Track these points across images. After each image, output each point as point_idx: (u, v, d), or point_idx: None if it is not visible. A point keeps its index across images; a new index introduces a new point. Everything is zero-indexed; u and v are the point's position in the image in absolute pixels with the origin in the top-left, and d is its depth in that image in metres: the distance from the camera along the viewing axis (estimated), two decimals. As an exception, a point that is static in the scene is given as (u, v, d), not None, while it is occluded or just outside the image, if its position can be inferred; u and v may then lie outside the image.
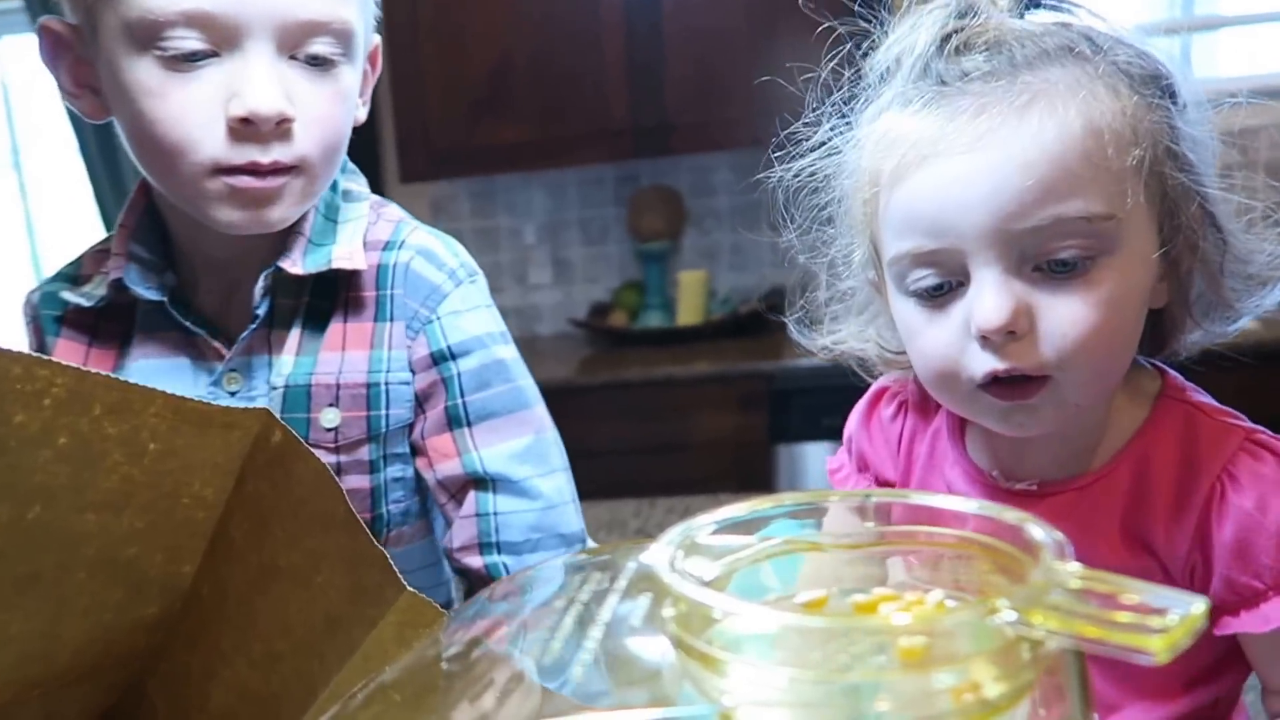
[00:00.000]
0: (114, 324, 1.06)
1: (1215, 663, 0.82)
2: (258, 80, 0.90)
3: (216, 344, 1.03)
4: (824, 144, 0.85)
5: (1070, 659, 0.40)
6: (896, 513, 0.49)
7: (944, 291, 0.76)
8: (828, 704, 0.36)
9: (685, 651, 0.38)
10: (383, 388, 1.04)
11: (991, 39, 0.76)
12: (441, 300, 1.06)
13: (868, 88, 0.82)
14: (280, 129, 0.92)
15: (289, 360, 1.04)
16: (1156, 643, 0.33)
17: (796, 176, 0.87)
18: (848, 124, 0.84)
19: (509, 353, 1.09)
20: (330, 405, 1.03)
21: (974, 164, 0.72)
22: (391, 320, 1.05)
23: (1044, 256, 0.72)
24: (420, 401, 1.06)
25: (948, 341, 0.76)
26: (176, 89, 0.90)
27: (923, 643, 0.37)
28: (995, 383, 0.75)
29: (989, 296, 0.73)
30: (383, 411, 1.04)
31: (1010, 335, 0.73)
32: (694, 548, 0.45)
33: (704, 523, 0.46)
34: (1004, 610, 0.35)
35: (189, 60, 0.90)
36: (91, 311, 1.06)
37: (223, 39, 0.90)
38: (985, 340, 0.74)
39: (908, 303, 0.79)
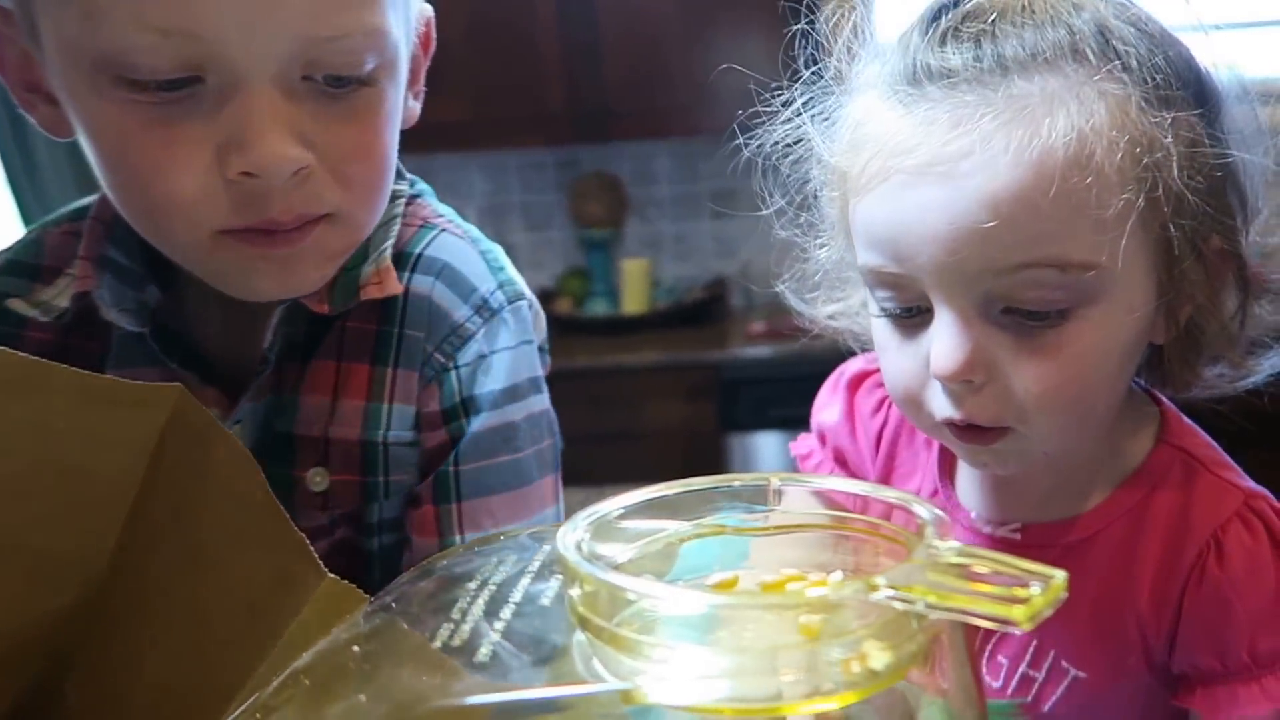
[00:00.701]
0: (88, 341, 0.83)
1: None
2: (261, 122, 0.68)
3: (211, 390, 0.82)
4: (798, 123, 0.76)
5: (956, 631, 0.42)
6: (799, 497, 0.51)
7: (913, 314, 0.69)
8: (730, 678, 0.38)
9: (592, 631, 0.40)
10: (380, 448, 0.83)
11: (985, 27, 0.66)
12: (463, 345, 0.84)
13: (861, 46, 0.74)
14: (299, 178, 0.70)
15: (279, 396, 0.83)
16: (1019, 612, 0.35)
17: (775, 147, 0.78)
18: (827, 92, 0.75)
19: (531, 409, 0.88)
20: (318, 465, 0.83)
21: (935, 192, 0.64)
22: (396, 366, 0.83)
23: (1012, 303, 0.64)
24: (424, 466, 0.85)
25: (912, 372, 0.70)
26: (155, 135, 0.68)
27: (819, 620, 0.39)
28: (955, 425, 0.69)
29: (946, 340, 0.65)
30: (380, 478, 0.84)
31: (967, 384, 0.66)
32: (607, 531, 0.47)
33: (614, 506, 0.47)
34: (883, 587, 0.38)
35: (168, 90, 0.67)
36: (51, 327, 0.83)
37: (208, 60, 0.66)
38: (942, 384, 0.67)
39: (875, 314, 0.72)
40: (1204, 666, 0.69)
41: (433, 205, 0.91)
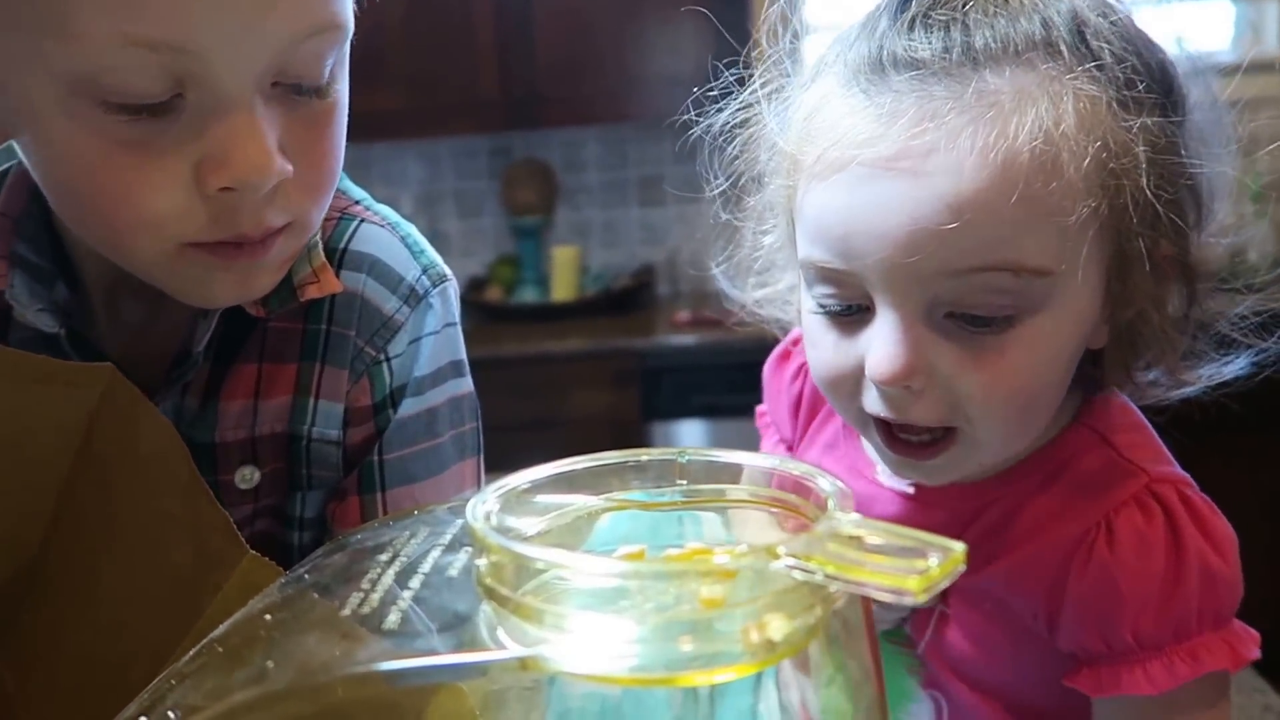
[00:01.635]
0: None
1: (1061, 690, 0.73)
2: (243, 138, 0.65)
3: None
4: (748, 103, 0.74)
5: (855, 603, 0.43)
6: (706, 471, 0.51)
7: (851, 313, 0.67)
8: (630, 647, 0.39)
9: (498, 601, 0.41)
10: (303, 444, 0.82)
11: (956, 15, 0.63)
12: (393, 337, 0.83)
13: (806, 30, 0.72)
14: (273, 191, 0.68)
15: (193, 404, 0.80)
16: (915, 583, 0.36)
17: (723, 128, 0.76)
18: (781, 75, 0.73)
19: (453, 392, 0.88)
20: (245, 463, 0.81)
21: (895, 188, 0.61)
22: (324, 363, 0.82)
23: (958, 307, 0.62)
24: (349, 460, 0.85)
25: (842, 367, 0.68)
26: (129, 156, 0.65)
27: (721, 593, 0.40)
28: (886, 426, 0.68)
29: (887, 344, 0.64)
30: (303, 470, 0.83)
31: (905, 389, 0.64)
32: (518, 505, 0.48)
33: (523, 479, 0.48)
34: (784, 556, 0.38)
35: (145, 110, 0.64)
36: None
37: (192, 75, 0.63)
38: (878, 387, 0.66)
39: (811, 310, 0.70)
40: (1090, 647, 0.69)
41: (347, 192, 0.89)
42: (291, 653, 0.38)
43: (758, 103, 0.73)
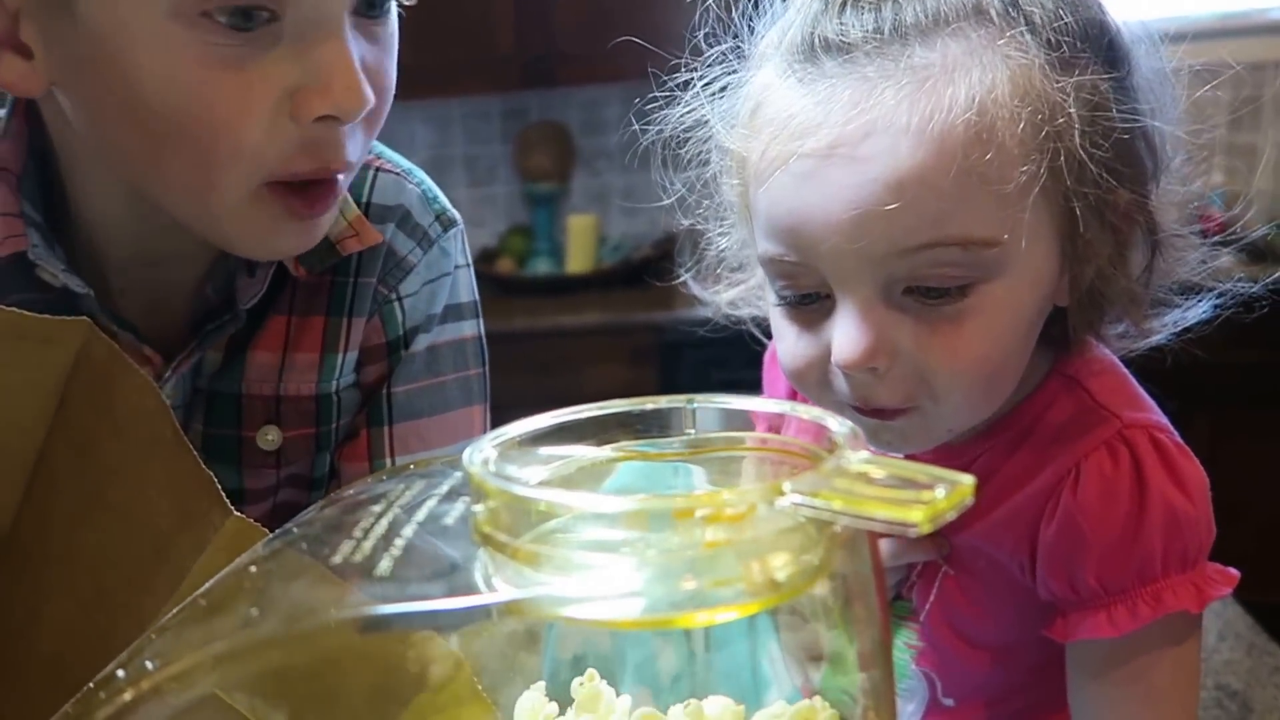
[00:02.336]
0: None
1: (1058, 663, 0.75)
2: (343, 65, 0.66)
3: (147, 349, 0.78)
4: (695, 105, 0.75)
5: (860, 543, 0.42)
6: (715, 419, 0.50)
7: (812, 302, 0.67)
8: (631, 589, 0.38)
9: (495, 547, 0.39)
10: (334, 398, 0.84)
11: None
12: (405, 276, 0.84)
13: (758, 17, 0.72)
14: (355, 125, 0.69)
15: (216, 357, 0.81)
16: (920, 514, 0.35)
17: (677, 129, 0.77)
18: (727, 70, 0.73)
19: (455, 334, 0.89)
20: (269, 423, 0.82)
21: (836, 176, 0.62)
22: (351, 315, 0.83)
23: (914, 282, 0.63)
24: (364, 397, 0.86)
25: (808, 357, 0.68)
26: (227, 81, 0.65)
27: (724, 536, 0.38)
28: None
29: (848, 329, 0.64)
30: (333, 425, 0.84)
31: (871, 371, 0.65)
32: (518, 455, 0.46)
33: (523, 428, 0.46)
34: (789, 493, 0.37)
35: (245, 23, 0.64)
36: None
37: None
38: (844, 372, 0.66)
39: (774, 303, 0.71)
40: (1059, 594, 0.70)
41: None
42: (277, 600, 0.37)
43: (702, 104, 0.74)
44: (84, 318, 0.56)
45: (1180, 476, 0.68)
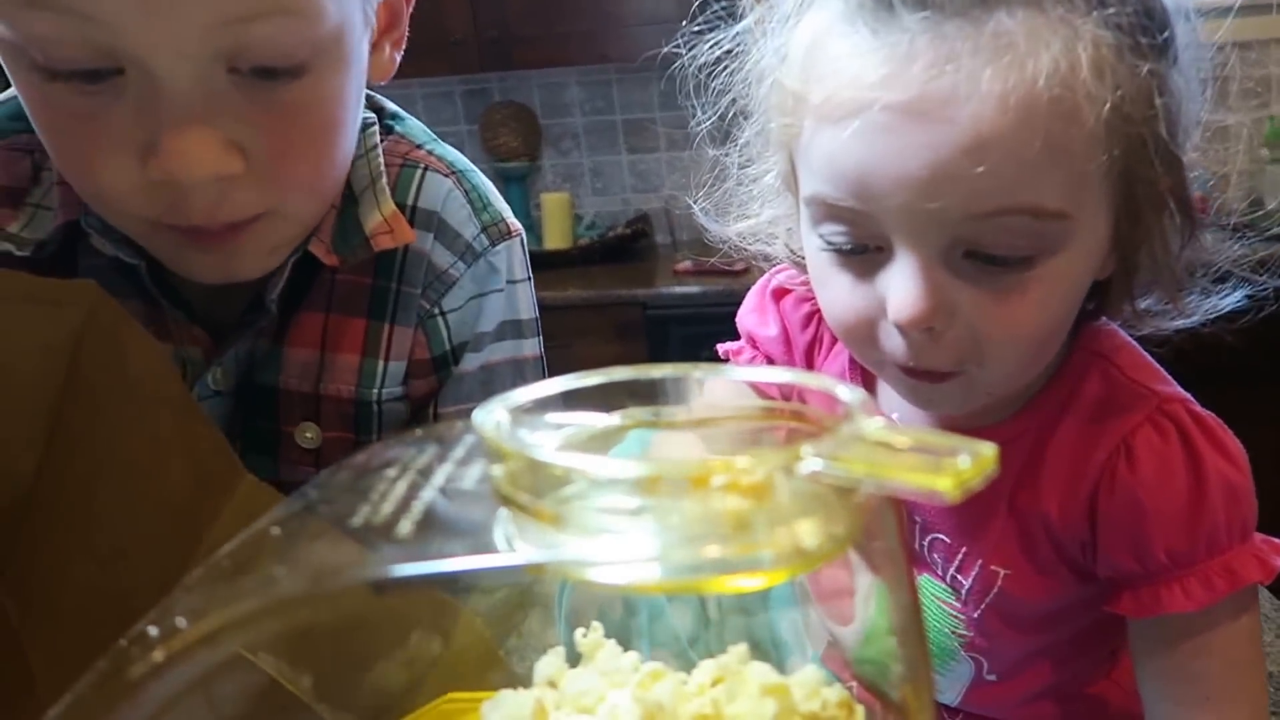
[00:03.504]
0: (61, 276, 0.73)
1: (1100, 633, 0.78)
2: (177, 127, 0.63)
3: (197, 329, 0.78)
4: (738, 37, 0.74)
5: (886, 509, 0.42)
6: (723, 389, 0.50)
7: (862, 252, 0.67)
8: (656, 553, 0.38)
9: (517, 507, 0.39)
10: (374, 407, 0.82)
11: None
12: (447, 291, 0.83)
13: None
14: (225, 184, 0.66)
15: (265, 347, 0.81)
16: (946, 481, 0.35)
17: (708, 61, 0.75)
18: (773, 6, 0.71)
19: (514, 353, 0.88)
20: (307, 420, 0.81)
21: (915, 133, 0.61)
22: (394, 322, 0.81)
23: (978, 247, 0.63)
24: (412, 413, 0.85)
25: (859, 310, 0.68)
26: (83, 126, 0.64)
27: (745, 502, 0.38)
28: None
29: (909, 286, 0.64)
30: (373, 435, 0.83)
31: (928, 331, 0.65)
32: (526, 422, 0.46)
33: (530, 395, 0.46)
34: (809, 457, 0.37)
35: (89, 81, 0.62)
36: (29, 261, 0.75)
37: (114, 48, 0.61)
38: (900, 329, 0.66)
39: (820, 247, 0.69)
40: (1125, 570, 0.70)
41: (409, 134, 0.87)
42: (302, 559, 0.37)
43: (749, 33, 0.73)
44: (91, 281, 0.57)
45: (1225, 448, 0.69)
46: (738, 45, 0.74)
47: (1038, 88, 0.59)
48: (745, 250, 0.84)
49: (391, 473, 0.45)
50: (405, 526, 0.39)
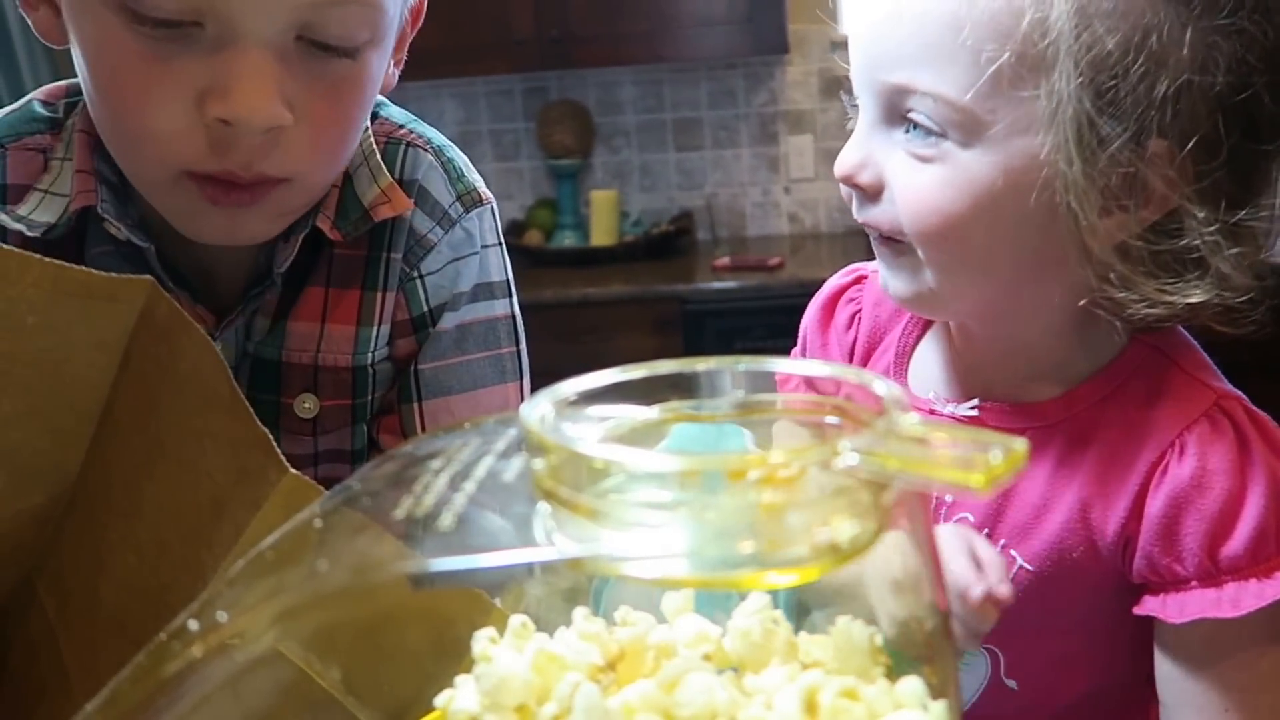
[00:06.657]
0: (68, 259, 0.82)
1: (1129, 640, 0.75)
2: (248, 76, 0.68)
3: (200, 309, 0.83)
4: None
5: (916, 505, 0.42)
6: (762, 381, 0.50)
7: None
8: (692, 548, 0.38)
9: (557, 501, 0.40)
10: (369, 371, 0.87)
11: None
12: (425, 254, 0.87)
13: None
14: (271, 135, 0.71)
15: (264, 323, 0.85)
16: (979, 477, 0.35)
17: None
18: None
19: (486, 313, 0.91)
20: (306, 391, 0.86)
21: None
22: (385, 289, 0.86)
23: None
24: (396, 373, 0.90)
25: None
26: (147, 67, 0.68)
27: (782, 496, 0.39)
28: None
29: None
30: (368, 397, 0.88)
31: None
32: (571, 414, 0.47)
33: (576, 387, 0.47)
34: (845, 452, 0.37)
35: (165, 27, 0.67)
36: (38, 242, 0.79)
37: (211, 10, 0.67)
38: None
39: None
40: (1165, 570, 0.68)
41: (391, 118, 0.92)
42: (343, 553, 0.38)
43: None
44: (147, 276, 0.58)
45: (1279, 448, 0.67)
46: None
47: None
48: None
49: (435, 464, 0.46)
50: (448, 519, 0.40)
